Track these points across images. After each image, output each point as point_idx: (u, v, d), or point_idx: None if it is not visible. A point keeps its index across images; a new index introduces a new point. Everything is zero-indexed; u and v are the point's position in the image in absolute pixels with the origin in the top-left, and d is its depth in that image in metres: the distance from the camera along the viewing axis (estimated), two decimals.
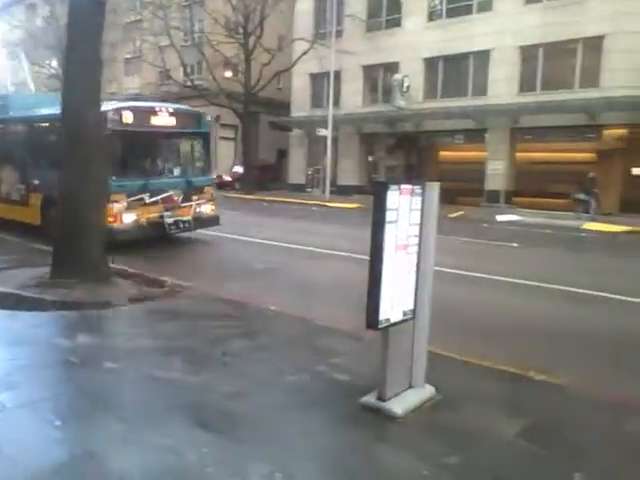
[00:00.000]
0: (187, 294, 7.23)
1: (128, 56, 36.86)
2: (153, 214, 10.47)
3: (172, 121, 10.78)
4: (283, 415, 3.93)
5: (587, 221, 17.49)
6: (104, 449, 3.44)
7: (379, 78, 26.18)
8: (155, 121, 10.49)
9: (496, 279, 8.79)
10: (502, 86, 21.62)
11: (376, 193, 3.73)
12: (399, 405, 4.00)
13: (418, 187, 3.94)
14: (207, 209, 11.52)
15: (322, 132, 24.58)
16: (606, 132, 19.83)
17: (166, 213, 10.60)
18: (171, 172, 11.26)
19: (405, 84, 23.84)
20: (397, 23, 25.11)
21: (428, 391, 4.26)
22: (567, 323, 6.60)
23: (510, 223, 17.76)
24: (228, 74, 29.29)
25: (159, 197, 10.53)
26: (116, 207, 9.90)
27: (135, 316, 6.37)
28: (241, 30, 26.77)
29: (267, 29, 26.95)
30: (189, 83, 28.98)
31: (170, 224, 10.64)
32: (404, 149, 26.05)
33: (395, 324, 3.89)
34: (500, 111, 21.16)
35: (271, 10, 26.37)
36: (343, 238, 12.05)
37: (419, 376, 4.25)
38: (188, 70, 29.15)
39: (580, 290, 8.10)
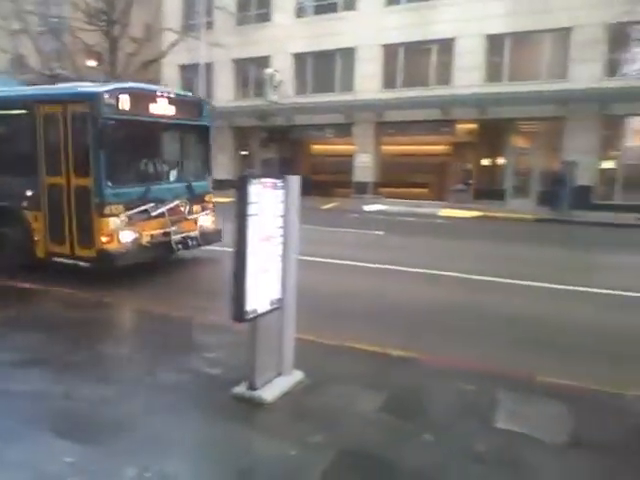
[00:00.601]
0: (53, 297, 6.77)
1: None
2: (157, 230, 8.11)
3: (173, 109, 8.48)
4: (154, 415, 3.88)
5: (469, 210, 19.03)
6: None
7: (250, 72, 26.08)
8: (155, 109, 8.16)
9: (363, 265, 9.30)
10: (367, 82, 22.68)
11: (238, 187, 3.80)
12: (269, 392, 4.14)
13: (279, 180, 4.08)
14: (209, 221, 9.29)
15: None
16: (459, 126, 21.68)
17: (173, 229, 8.33)
18: (172, 175, 8.91)
19: (276, 78, 24.06)
20: (267, 18, 25.18)
21: (297, 377, 4.45)
22: (425, 302, 7.20)
23: (377, 212, 18.81)
24: (92, 63, 27.31)
25: (165, 208, 8.18)
26: (112, 223, 7.43)
27: None
28: (104, 17, 25.09)
29: (134, 17, 25.44)
30: (48, 72, 26.55)
31: (177, 242, 8.38)
32: (277, 143, 26.27)
33: (262, 314, 4.02)
34: (365, 106, 22.19)
35: None
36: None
37: (288, 363, 4.42)
38: (45, 58, 26.70)
39: (435, 272, 8.87)
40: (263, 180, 3.90)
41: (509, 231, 14.99)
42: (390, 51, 22.37)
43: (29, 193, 7.91)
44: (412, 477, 3.22)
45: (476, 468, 3.32)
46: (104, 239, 7.40)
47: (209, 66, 24.72)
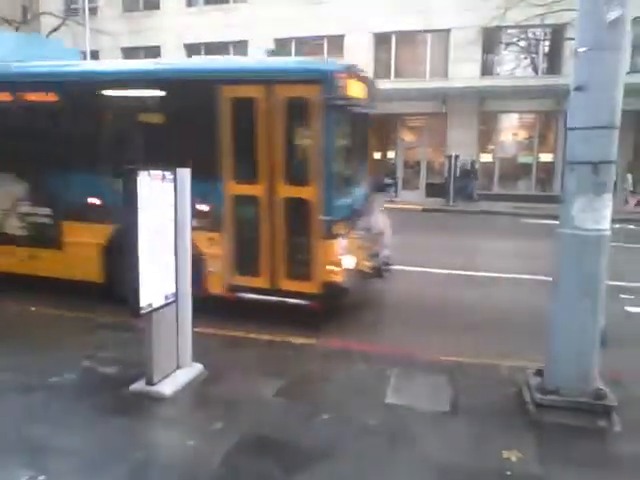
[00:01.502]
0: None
1: None
2: (370, 251, 6.36)
3: (369, 95, 6.46)
4: (45, 419, 3.73)
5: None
6: None
7: None
8: (363, 94, 6.18)
9: None
10: None
11: (126, 180, 3.73)
12: (168, 386, 4.12)
13: (169, 173, 4.05)
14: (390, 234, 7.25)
15: None
16: None
17: (380, 247, 6.65)
18: (363, 178, 6.89)
19: None
20: (156, 6, 24.30)
21: (196, 369, 4.46)
22: None
23: None
24: None
25: (376, 222, 6.59)
26: (340, 245, 5.62)
27: None
28: None
29: None
30: None
31: (385, 264, 6.59)
32: None
33: (157, 308, 3.98)
34: None
35: None
36: None
37: (186, 356, 4.42)
38: None
39: None
40: (152, 172, 3.86)
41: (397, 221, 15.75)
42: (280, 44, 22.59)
43: (201, 207, 5.72)
44: (310, 455, 3.37)
45: (368, 441, 3.55)
46: (331, 268, 5.53)
47: (96, 54, 23.36)
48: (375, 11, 20.73)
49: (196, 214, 5.45)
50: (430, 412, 3.96)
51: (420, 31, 20.76)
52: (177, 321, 4.29)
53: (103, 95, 6.25)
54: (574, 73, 3.78)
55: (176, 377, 4.27)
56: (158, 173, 3.89)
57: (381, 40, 21.30)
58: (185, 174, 4.19)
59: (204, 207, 5.75)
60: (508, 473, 3.19)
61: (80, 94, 6.24)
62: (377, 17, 20.72)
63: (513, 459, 3.33)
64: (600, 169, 3.66)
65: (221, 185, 5.74)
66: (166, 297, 4.08)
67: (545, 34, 20.17)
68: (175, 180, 4.07)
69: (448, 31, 20.25)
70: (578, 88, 3.71)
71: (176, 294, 4.19)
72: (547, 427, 3.72)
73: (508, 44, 20.67)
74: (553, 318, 3.91)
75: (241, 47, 22.96)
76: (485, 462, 3.33)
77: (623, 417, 3.78)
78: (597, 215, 3.70)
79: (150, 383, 4.09)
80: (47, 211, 6.47)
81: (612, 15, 3.55)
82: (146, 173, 3.75)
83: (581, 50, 3.69)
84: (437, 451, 3.45)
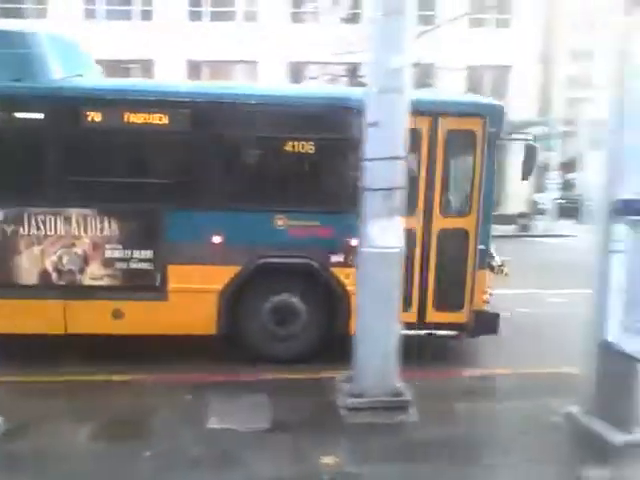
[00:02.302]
0: None
1: None
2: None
3: None
4: None
5: None
6: None
7: None
8: None
9: None
10: None
11: None
12: None
13: None
14: None
15: None
16: None
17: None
18: None
19: None
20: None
21: None
22: None
23: None
24: None
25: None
26: (488, 275, 5.80)
27: None
28: None
29: None
30: None
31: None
32: None
33: None
34: None
35: None
36: None
37: None
38: None
39: None
40: None
41: None
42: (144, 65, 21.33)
43: (351, 242, 5.22)
44: None
45: (193, 471, 3.50)
46: (484, 297, 5.67)
47: None
48: (189, 39, 20.74)
49: (344, 249, 5.40)
50: (251, 431, 4.03)
51: (230, 61, 21.28)
52: None
53: (245, 119, 5.51)
54: (368, 111, 4.21)
55: None
56: None
57: (193, 67, 21.31)
58: None
59: (354, 241, 5.19)
60: (325, 478, 3.42)
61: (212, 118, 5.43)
62: (190, 44, 20.71)
63: (331, 463, 3.57)
64: (391, 194, 4.17)
65: None
66: None
67: (344, 71, 22.15)
68: None
69: (256, 63, 21.09)
70: (372, 124, 4.18)
71: None
72: (358, 428, 4.06)
73: (312, 78, 22.23)
74: (357, 326, 4.33)
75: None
76: (306, 470, 3.52)
77: (417, 409, 4.30)
78: (390, 234, 4.20)
79: None
80: (148, 254, 5.36)
81: (394, 64, 4.12)
82: None
83: (372, 91, 4.20)
84: (259, 469, 3.53)
